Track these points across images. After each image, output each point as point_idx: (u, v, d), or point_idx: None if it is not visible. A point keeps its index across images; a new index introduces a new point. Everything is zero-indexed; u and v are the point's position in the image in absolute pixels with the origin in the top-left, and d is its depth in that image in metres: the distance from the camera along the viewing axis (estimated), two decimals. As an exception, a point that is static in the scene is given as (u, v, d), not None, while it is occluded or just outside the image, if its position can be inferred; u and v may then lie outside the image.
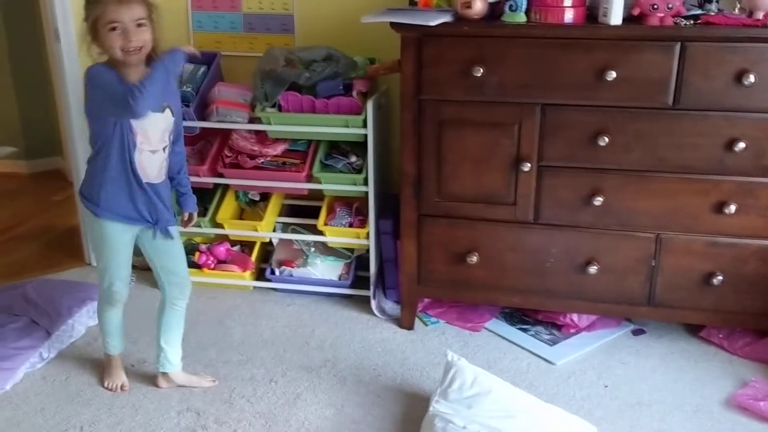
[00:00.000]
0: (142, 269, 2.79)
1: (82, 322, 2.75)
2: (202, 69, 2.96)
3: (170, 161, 2.25)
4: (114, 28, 1.97)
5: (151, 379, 2.44)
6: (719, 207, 2.37)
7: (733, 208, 2.35)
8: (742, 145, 2.28)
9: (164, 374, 2.40)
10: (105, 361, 2.45)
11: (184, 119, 2.85)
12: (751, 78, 2.20)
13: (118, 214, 2.16)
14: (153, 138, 2.12)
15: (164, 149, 2.17)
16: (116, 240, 2.20)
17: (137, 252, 2.32)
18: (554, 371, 2.50)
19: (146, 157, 2.13)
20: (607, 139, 2.35)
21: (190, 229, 3.08)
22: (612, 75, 2.27)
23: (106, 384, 2.41)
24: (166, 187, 2.24)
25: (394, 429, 2.20)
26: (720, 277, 2.43)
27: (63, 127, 3.38)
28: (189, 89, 2.87)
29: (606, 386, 2.41)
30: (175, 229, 2.31)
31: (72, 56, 3.01)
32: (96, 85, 2.04)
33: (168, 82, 2.08)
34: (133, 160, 2.10)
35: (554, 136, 2.41)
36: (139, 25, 2.00)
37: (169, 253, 2.31)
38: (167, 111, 2.14)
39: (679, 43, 2.23)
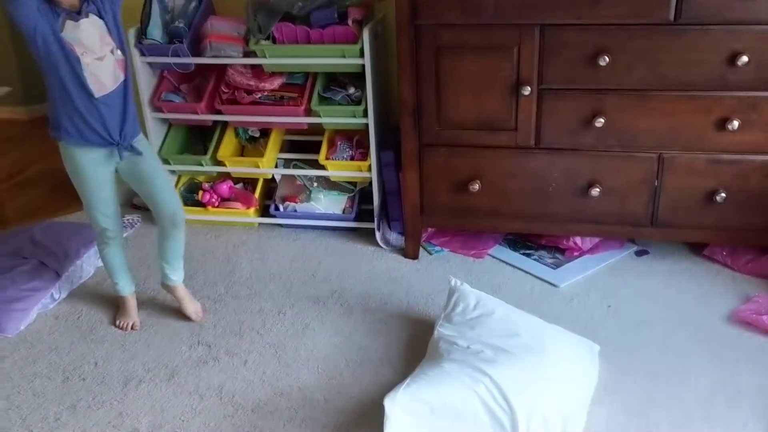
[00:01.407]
0: (146, 209, 2.79)
1: (91, 262, 2.78)
2: (194, 3, 2.91)
3: None
4: None
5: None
6: (722, 123, 2.34)
7: (735, 124, 2.32)
8: (745, 59, 2.23)
9: (165, 285, 2.48)
10: (118, 301, 2.50)
11: (177, 56, 2.81)
12: (755, -12, 2.15)
13: (79, 136, 2.14)
14: (91, 45, 2.06)
15: (112, 51, 2.10)
16: (87, 167, 2.20)
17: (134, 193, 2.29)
18: (558, 294, 2.53)
19: (95, 66, 2.07)
20: (607, 59, 2.31)
21: (193, 167, 3.08)
22: (611, -10, 2.22)
23: (117, 323, 2.46)
24: (122, 93, 2.15)
25: (401, 353, 2.25)
26: (723, 195, 2.43)
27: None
28: (181, 25, 2.82)
29: (609, 306, 2.44)
30: (144, 145, 2.27)
31: None
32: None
33: None
34: (79, 75, 2.05)
35: (554, 57, 2.37)
36: None
37: (144, 173, 2.27)
38: (92, 16, 2.05)
39: (679, -46, 2.17)
